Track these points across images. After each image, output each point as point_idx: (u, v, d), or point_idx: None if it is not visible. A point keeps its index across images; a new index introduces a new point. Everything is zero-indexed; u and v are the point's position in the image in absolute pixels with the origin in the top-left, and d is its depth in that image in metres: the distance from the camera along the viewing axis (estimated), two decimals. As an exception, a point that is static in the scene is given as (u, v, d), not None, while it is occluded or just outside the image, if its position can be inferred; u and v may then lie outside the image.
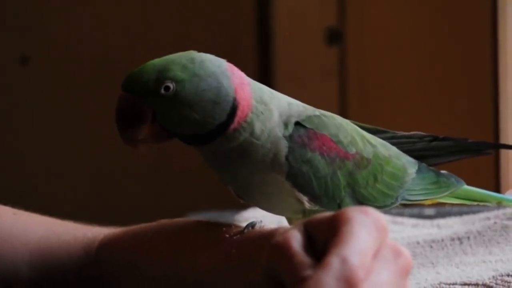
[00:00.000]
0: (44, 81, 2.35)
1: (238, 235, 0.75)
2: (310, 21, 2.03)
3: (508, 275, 0.81)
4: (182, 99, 0.73)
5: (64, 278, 0.80)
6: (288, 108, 0.77)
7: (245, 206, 0.95)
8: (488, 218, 1.02)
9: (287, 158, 0.75)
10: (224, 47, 2.05)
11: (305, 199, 0.77)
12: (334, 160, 0.77)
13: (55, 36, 2.33)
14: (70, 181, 2.34)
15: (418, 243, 0.96)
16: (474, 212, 1.07)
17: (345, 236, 0.56)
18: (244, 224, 0.76)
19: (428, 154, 0.86)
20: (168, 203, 2.21)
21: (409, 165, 0.83)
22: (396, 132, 0.86)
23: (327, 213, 0.58)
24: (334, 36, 2.03)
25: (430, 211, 1.14)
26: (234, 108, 0.73)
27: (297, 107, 0.78)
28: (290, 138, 0.76)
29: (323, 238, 0.57)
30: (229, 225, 0.77)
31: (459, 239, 0.95)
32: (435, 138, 0.86)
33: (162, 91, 0.73)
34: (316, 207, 0.77)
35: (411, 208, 1.12)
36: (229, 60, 0.76)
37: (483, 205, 0.91)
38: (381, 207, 0.81)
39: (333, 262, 0.54)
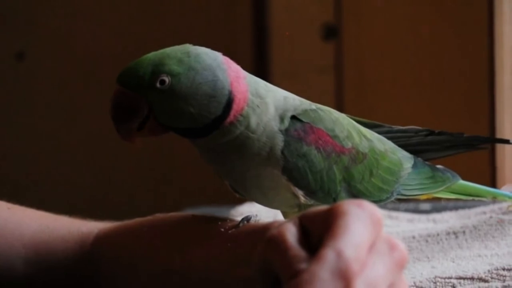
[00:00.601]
0: (40, 77, 2.34)
1: (233, 229, 0.75)
2: (307, 16, 2.02)
3: (503, 269, 0.81)
4: (177, 93, 0.72)
5: (59, 272, 0.80)
6: (284, 102, 0.77)
7: (241, 201, 0.94)
8: (484, 213, 1.02)
9: (282, 152, 0.75)
10: (221, 42, 2.04)
11: (300, 193, 0.77)
12: (330, 155, 0.77)
13: (51, 32, 2.33)
14: (66, 176, 2.34)
15: (413, 237, 0.95)
16: (469, 207, 1.07)
17: (340, 229, 0.55)
18: (239, 218, 0.76)
19: (424, 148, 0.86)
20: (164, 198, 2.20)
21: (405, 159, 0.83)
22: (392, 126, 0.86)
23: (322, 207, 0.58)
24: (331, 32, 2.02)
25: (425, 205, 1.14)
26: (230, 102, 0.73)
27: (293, 101, 0.77)
28: (286, 132, 0.75)
29: (318, 232, 0.57)
30: (225, 219, 0.77)
31: (454, 233, 0.95)
32: (431, 133, 0.86)
33: (158, 85, 0.73)
34: (312, 201, 0.77)
35: (406, 203, 1.12)
36: (226, 55, 0.76)
37: (479, 200, 0.91)
38: (376, 201, 0.80)
39: (328, 255, 0.54)
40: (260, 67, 2.09)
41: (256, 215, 0.76)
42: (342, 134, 0.78)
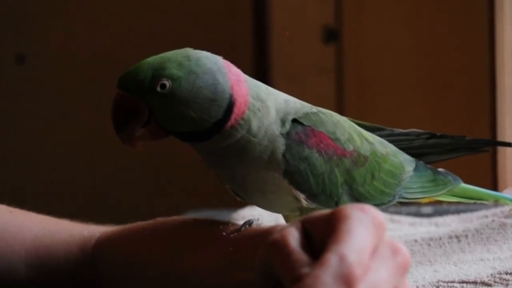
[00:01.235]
0: (40, 80, 2.34)
1: (235, 233, 0.74)
2: (308, 19, 2.03)
3: (506, 273, 0.81)
4: (178, 97, 0.72)
5: (60, 276, 0.80)
6: (285, 105, 0.76)
7: (242, 204, 0.94)
8: (486, 216, 1.02)
9: (284, 155, 0.75)
10: (221, 45, 2.04)
11: (302, 196, 0.76)
12: (332, 158, 0.77)
13: (51, 35, 2.33)
14: (67, 179, 2.34)
15: (416, 241, 0.95)
16: (471, 210, 1.07)
17: (343, 234, 0.55)
18: (241, 222, 0.76)
19: (425, 151, 0.86)
20: (165, 201, 2.20)
21: (407, 163, 0.83)
22: (394, 129, 0.86)
23: (325, 211, 0.58)
24: (331, 34, 2.02)
25: (427, 209, 1.14)
26: (230, 105, 0.73)
27: (294, 104, 0.77)
28: (287, 135, 0.75)
29: (321, 236, 0.56)
30: (226, 223, 0.77)
31: (457, 237, 0.95)
32: (433, 136, 0.86)
33: (158, 89, 0.72)
34: (314, 205, 0.77)
35: (408, 207, 1.12)
36: (226, 58, 0.76)
37: (481, 203, 0.91)
38: (378, 204, 0.80)
39: (331, 259, 0.54)
40: (260, 70, 2.09)
41: (258, 218, 0.75)
42: (343, 137, 0.78)
